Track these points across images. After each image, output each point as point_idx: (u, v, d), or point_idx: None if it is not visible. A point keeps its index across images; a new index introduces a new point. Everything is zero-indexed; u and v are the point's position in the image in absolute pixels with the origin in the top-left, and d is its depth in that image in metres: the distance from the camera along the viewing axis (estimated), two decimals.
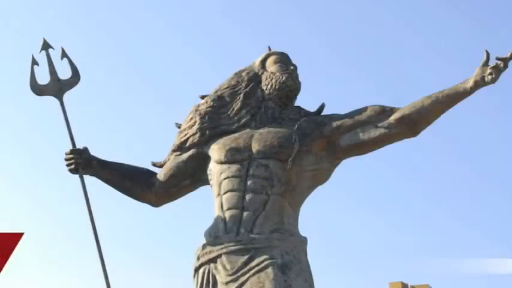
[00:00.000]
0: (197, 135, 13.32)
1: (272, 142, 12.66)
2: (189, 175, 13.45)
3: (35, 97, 13.80)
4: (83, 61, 15.04)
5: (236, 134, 13.06)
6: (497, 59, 12.05)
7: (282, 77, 13.22)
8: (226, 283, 12.12)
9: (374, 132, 12.63)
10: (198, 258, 12.50)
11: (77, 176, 13.43)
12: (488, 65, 12.08)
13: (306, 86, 13.55)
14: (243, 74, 13.56)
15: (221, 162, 12.82)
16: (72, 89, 13.84)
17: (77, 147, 13.50)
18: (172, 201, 13.78)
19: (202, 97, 13.66)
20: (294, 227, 12.59)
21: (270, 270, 11.93)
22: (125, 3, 53.63)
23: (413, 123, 12.52)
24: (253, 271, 11.99)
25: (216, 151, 12.97)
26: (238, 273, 12.06)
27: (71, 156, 13.42)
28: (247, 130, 13.08)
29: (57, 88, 13.75)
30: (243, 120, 13.25)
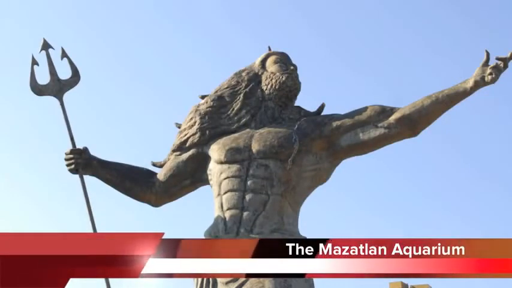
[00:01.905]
0: (197, 135, 13.32)
1: (272, 142, 12.65)
2: (189, 175, 13.45)
3: (35, 97, 13.83)
4: (83, 61, 15.06)
5: (236, 134, 13.05)
6: (497, 59, 12.06)
7: (282, 77, 13.22)
8: (226, 283, 12.11)
9: (374, 132, 12.63)
10: None
11: (77, 176, 13.43)
12: (488, 65, 12.09)
13: (306, 86, 13.57)
14: (243, 74, 13.55)
15: (221, 162, 12.82)
16: (72, 89, 13.84)
17: (77, 147, 13.50)
18: (172, 201, 13.77)
19: (202, 97, 13.65)
20: (294, 227, 12.59)
21: None
22: (125, 3, 53.66)
23: (413, 123, 12.52)
24: None
25: (216, 151, 12.96)
26: None
27: (71, 156, 13.42)
28: (247, 130, 13.07)
29: (57, 88, 13.75)
30: (243, 120, 13.24)
